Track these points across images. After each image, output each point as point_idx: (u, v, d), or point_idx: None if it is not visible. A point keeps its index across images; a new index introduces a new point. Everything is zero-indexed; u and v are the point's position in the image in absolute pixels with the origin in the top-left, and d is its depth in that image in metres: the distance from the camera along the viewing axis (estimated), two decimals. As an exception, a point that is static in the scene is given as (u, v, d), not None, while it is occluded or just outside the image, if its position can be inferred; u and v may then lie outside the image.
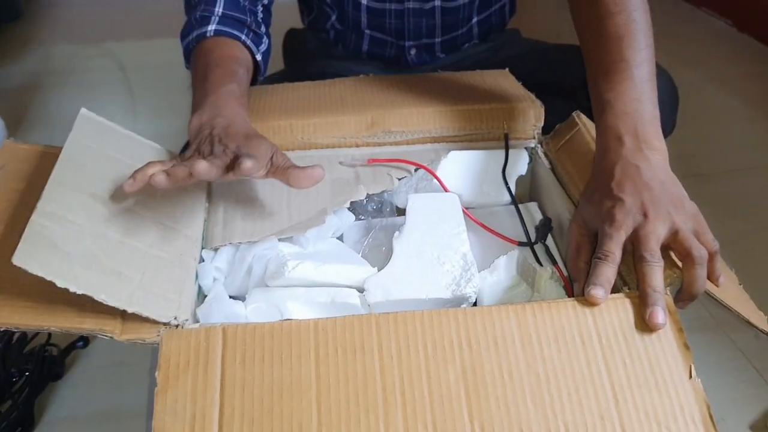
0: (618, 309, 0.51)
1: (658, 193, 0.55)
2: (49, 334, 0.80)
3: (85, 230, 0.53)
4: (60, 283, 0.47)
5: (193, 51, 0.75)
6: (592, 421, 0.44)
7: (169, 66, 1.52)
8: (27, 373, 0.77)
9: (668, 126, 0.63)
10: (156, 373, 0.46)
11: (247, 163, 0.53)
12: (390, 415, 0.44)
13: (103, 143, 0.62)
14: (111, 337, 0.50)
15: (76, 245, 0.51)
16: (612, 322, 0.50)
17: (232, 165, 0.55)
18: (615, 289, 0.53)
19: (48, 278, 0.47)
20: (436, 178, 0.70)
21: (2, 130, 1.31)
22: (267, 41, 0.80)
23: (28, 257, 0.47)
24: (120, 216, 0.56)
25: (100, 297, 0.48)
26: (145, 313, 0.50)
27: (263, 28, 0.80)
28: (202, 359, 0.47)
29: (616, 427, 0.44)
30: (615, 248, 0.53)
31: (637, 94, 0.61)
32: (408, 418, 0.44)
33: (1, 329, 0.49)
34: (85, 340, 0.84)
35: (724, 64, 1.80)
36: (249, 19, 0.77)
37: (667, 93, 0.81)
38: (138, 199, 0.59)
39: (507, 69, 0.85)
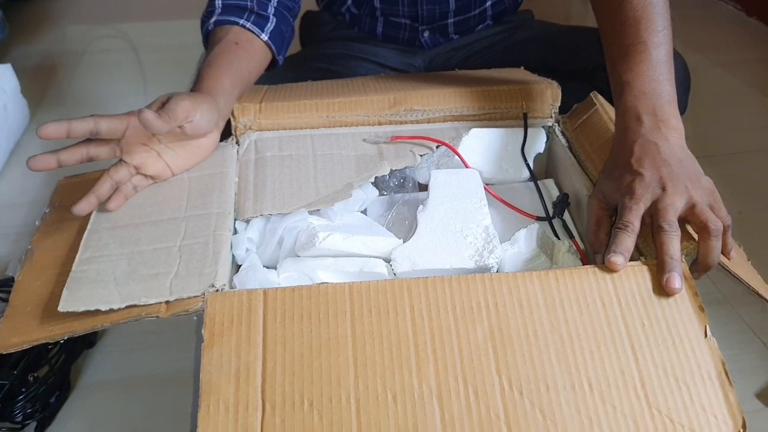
0: (636, 275, 0.54)
1: (676, 169, 0.58)
2: None
3: (120, 256, 0.58)
4: (103, 308, 0.52)
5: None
6: (613, 376, 0.47)
7: (181, 47, 1.55)
8: (62, 341, 0.80)
9: (681, 107, 0.65)
10: (202, 331, 0.49)
11: (145, 113, 0.57)
12: (423, 370, 0.47)
13: None
14: (157, 317, 0.53)
15: (113, 271, 0.56)
16: (631, 287, 0.53)
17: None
18: (632, 260, 0.56)
19: (92, 309, 0.52)
20: (458, 154, 0.73)
21: (26, 110, 1.33)
22: (274, 20, 0.81)
23: (71, 302, 0.53)
24: (151, 230, 0.61)
25: (142, 301, 0.53)
26: (185, 295, 0.53)
27: (270, 9, 0.81)
28: (245, 318, 0.50)
29: (636, 383, 0.47)
30: (634, 219, 0.56)
31: (656, 75, 0.63)
32: (440, 372, 0.47)
33: (64, 338, 0.52)
34: None
35: (732, 48, 1.81)
36: (251, 3, 0.79)
37: (680, 75, 0.83)
38: (166, 208, 0.63)
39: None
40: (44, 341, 0.52)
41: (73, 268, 0.56)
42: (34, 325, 0.53)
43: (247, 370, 0.47)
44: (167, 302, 0.53)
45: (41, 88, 1.47)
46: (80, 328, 0.52)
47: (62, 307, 0.52)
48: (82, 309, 0.52)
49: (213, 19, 0.78)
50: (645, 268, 0.54)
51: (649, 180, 0.57)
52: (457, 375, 0.47)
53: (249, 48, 0.77)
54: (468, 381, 0.47)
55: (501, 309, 0.51)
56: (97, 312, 0.52)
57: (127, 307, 0.52)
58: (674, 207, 0.56)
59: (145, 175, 0.65)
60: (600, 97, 0.76)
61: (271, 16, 0.80)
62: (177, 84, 1.44)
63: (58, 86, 1.50)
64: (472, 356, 0.48)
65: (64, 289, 0.54)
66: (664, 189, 0.56)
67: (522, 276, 0.54)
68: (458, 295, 0.52)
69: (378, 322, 0.50)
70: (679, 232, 0.55)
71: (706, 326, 0.50)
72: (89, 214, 0.62)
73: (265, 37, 0.79)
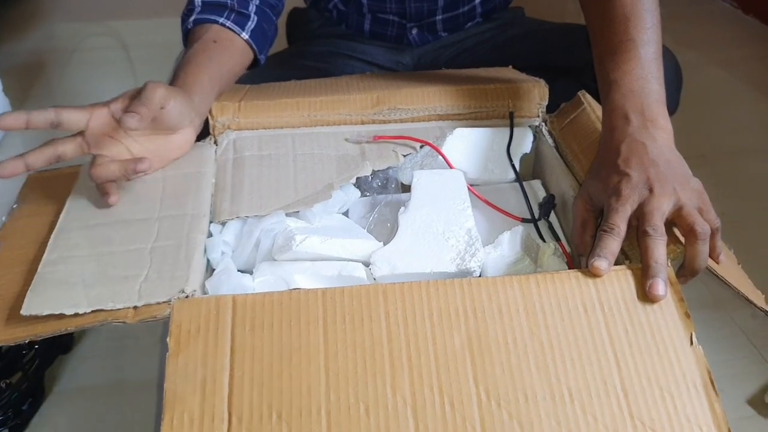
0: (620, 280, 0.52)
1: (664, 170, 0.56)
2: None
3: (89, 257, 0.56)
4: (68, 311, 0.50)
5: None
6: (594, 385, 0.46)
7: (171, 44, 1.53)
8: (36, 346, 0.79)
9: (672, 106, 0.64)
10: (168, 339, 0.47)
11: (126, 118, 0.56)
12: (397, 379, 0.46)
13: None
14: (124, 323, 0.51)
15: (83, 272, 0.54)
16: (614, 292, 0.51)
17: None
18: (617, 263, 0.54)
19: (57, 312, 0.50)
20: (441, 155, 0.71)
21: (8, 109, 1.32)
22: (256, 18, 0.79)
23: (35, 305, 0.51)
24: (123, 230, 0.59)
25: (109, 306, 0.51)
26: (153, 300, 0.52)
27: (251, 7, 0.79)
28: (212, 326, 0.48)
29: (618, 392, 0.45)
30: (620, 222, 0.54)
31: (644, 73, 0.62)
32: (414, 381, 0.46)
33: (26, 340, 0.51)
34: None
35: (728, 45, 1.80)
36: (231, 2, 0.77)
37: (671, 73, 0.82)
38: (139, 207, 0.61)
39: (510, 66, 0.86)
40: (4, 344, 0.50)
41: (39, 269, 0.54)
42: None
43: (214, 381, 0.45)
44: (135, 307, 0.51)
45: (26, 87, 1.46)
46: (44, 331, 0.50)
47: (25, 310, 0.50)
48: (46, 312, 0.50)
49: (192, 18, 0.76)
50: (629, 272, 0.53)
51: (636, 181, 0.56)
52: (433, 385, 0.45)
53: (229, 46, 0.75)
54: (444, 391, 0.45)
55: (480, 315, 0.50)
56: (62, 316, 0.50)
57: (93, 311, 0.50)
58: (661, 210, 0.54)
59: None
60: (588, 96, 0.74)
61: (253, 15, 0.79)
62: (166, 81, 1.42)
63: (47, 85, 1.49)
64: (449, 365, 0.46)
65: (29, 291, 0.52)
66: (651, 191, 0.55)
67: (502, 281, 0.52)
68: (435, 300, 0.50)
69: (352, 329, 0.48)
70: (665, 237, 0.53)
71: (692, 333, 0.49)
72: (59, 212, 0.60)
73: (245, 35, 0.77)
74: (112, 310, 0.51)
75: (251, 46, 0.79)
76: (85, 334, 0.85)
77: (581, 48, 0.86)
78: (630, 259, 0.56)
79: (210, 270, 0.62)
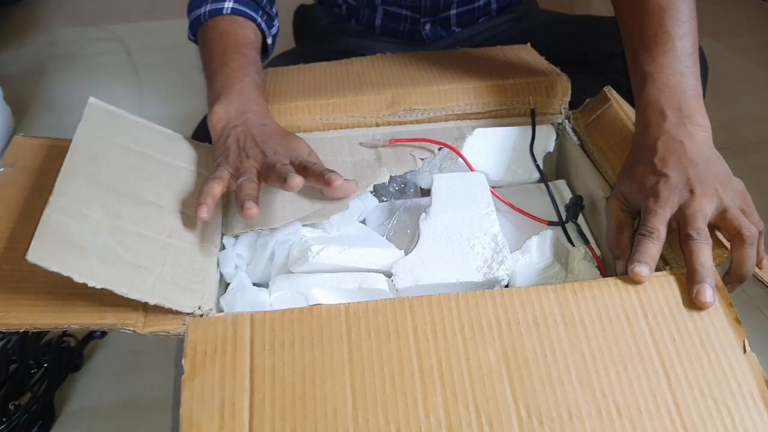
0: (663, 286, 0.49)
1: (704, 170, 0.53)
2: None
3: (100, 223, 0.52)
4: (78, 279, 0.46)
5: (205, 26, 0.73)
6: (644, 399, 0.43)
7: (174, 48, 1.54)
8: (45, 365, 0.77)
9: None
10: (183, 361, 0.45)
11: (296, 180, 0.55)
12: (429, 398, 0.43)
13: (114, 132, 0.61)
14: (133, 331, 0.49)
15: (93, 239, 0.50)
16: (657, 299, 0.49)
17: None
18: (656, 270, 0.51)
19: (65, 274, 0.46)
20: (462, 157, 0.69)
21: (9, 118, 1.30)
22: (277, 24, 0.79)
23: (42, 254, 0.46)
24: (135, 207, 0.56)
25: (120, 291, 0.48)
26: (167, 305, 0.49)
27: (274, 9, 0.79)
28: (230, 346, 0.46)
29: (669, 406, 0.43)
30: (660, 225, 0.52)
31: (680, 68, 0.59)
32: (449, 400, 0.43)
33: (21, 330, 0.48)
34: (102, 331, 0.83)
35: (745, 32, 1.77)
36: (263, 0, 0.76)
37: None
38: (152, 189, 0.58)
39: (528, 44, 0.83)
40: None
41: (46, 212, 0.50)
42: None
43: (233, 405, 0.43)
44: (145, 306, 0.49)
45: (29, 95, 1.44)
46: (40, 322, 0.48)
47: (31, 257, 0.45)
48: (54, 268, 0.46)
49: (228, 4, 0.73)
50: (672, 278, 0.50)
51: (675, 182, 0.53)
52: (468, 403, 0.43)
53: (259, 49, 0.75)
54: (481, 409, 0.42)
55: (514, 327, 0.47)
56: (62, 308, 0.48)
57: (102, 289, 0.47)
58: (703, 213, 0.51)
59: None
60: (614, 91, 0.71)
61: (276, 19, 0.78)
62: (172, 85, 1.42)
63: (49, 91, 1.48)
64: (484, 381, 0.44)
65: (35, 236, 0.47)
66: (691, 192, 0.52)
67: (536, 290, 0.49)
68: (466, 313, 0.48)
69: (378, 346, 0.46)
70: (710, 240, 0.50)
71: (744, 341, 0.46)
72: (61, 160, 0.56)
73: (269, 40, 0.77)
74: (122, 307, 0.49)
75: (267, 51, 0.78)
76: (95, 352, 0.83)
77: (598, 40, 0.85)
78: (670, 266, 0.54)
79: (223, 285, 0.59)
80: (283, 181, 0.56)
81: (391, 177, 0.67)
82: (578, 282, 0.50)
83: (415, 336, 0.46)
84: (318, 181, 0.59)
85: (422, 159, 0.68)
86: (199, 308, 0.51)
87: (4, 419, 0.70)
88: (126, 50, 1.64)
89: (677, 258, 0.52)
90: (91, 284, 0.46)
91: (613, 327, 0.47)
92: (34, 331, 0.71)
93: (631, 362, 0.45)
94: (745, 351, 0.45)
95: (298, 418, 0.42)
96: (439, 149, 0.69)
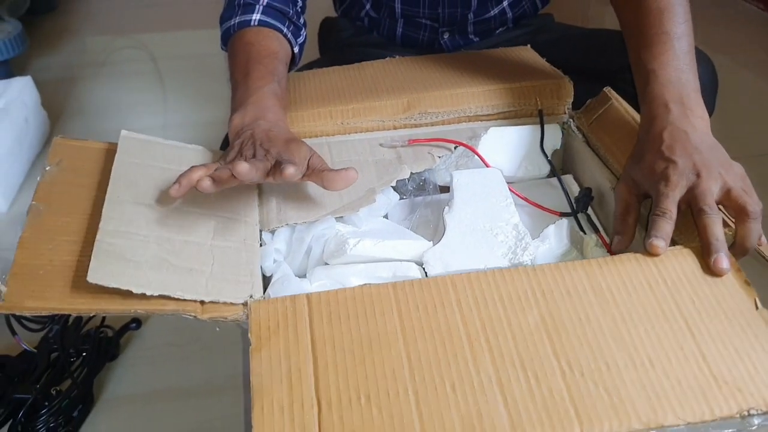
0: (678, 258, 0.56)
1: (708, 156, 0.60)
2: (103, 317, 0.86)
3: (148, 238, 0.58)
4: (136, 290, 0.51)
5: (234, 37, 0.79)
6: (672, 352, 0.49)
7: (199, 57, 1.62)
8: (84, 354, 0.82)
9: (708, 109, 0.68)
10: (249, 335, 0.49)
11: (289, 170, 0.58)
12: (478, 359, 0.48)
13: (148, 156, 0.67)
14: (194, 317, 0.54)
15: (143, 253, 0.56)
16: (674, 269, 0.55)
17: (274, 170, 0.60)
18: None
19: (124, 288, 0.51)
20: (477, 154, 0.75)
21: (46, 121, 1.34)
22: (304, 33, 0.84)
23: (101, 274, 0.52)
24: (176, 218, 0.61)
25: (176, 294, 0.53)
26: (222, 299, 0.54)
27: (302, 20, 0.84)
28: (291, 321, 0.51)
29: (696, 356, 0.48)
30: (671, 206, 0.58)
31: (680, 65, 0.67)
32: (496, 360, 0.48)
33: (91, 314, 0.52)
34: (138, 322, 0.89)
35: (756, 48, 1.85)
36: (291, 11, 0.82)
37: (707, 76, 0.87)
38: (190, 199, 0.63)
39: (528, 45, 0.91)
40: (68, 313, 0.52)
41: (98, 237, 0.55)
42: (54, 292, 0.53)
43: (299, 371, 0.48)
44: (202, 302, 0.54)
45: (61, 100, 1.50)
46: (110, 308, 0.52)
47: (91, 278, 0.51)
48: (113, 285, 0.51)
49: (256, 16, 0.78)
50: (686, 251, 0.57)
51: (682, 167, 0.60)
52: (514, 361, 0.48)
53: (286, 59, 0.80)
54: (526, 366, 0.48)
55: (549, 297, 0.53)
56: (128, 294, 0.52)
57: (160, 296, 0.52)
58: (711, 192, 0.58)
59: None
60: (614, 92, 0.78)
61: (303, 29, 0.83)
62: (196, 92, 1.49)
63: (79, 98, 1.54)
64: (527, 342, 0.49)
65: (92, 258, 0.53)
66: (698, 175, 0.59)
67: (565, 266, 0.55)
68: (504, 286, 0.54)
69: (426, 317, 0.51)
70: (720, 215, 0.57)
71: (755, 298, 0.52)
72: (105, 182, 0.61)
73: (296, 49, 0.82)
74: (180, 299, 0.53)
75: (294, 59, 0.83)
76: (130, 343, 0.89)
77: (613, 52, 0.91)
78: (680, 244, 0.60)
79: (263, 278, 0.64)
80: (279, 173, 0.59)
81: (410, 174, 0.72)
82: (602, 258, 0.56)
83: (459, 307, 0.52)
84: (315, 176, 0.62)
85: (440, 157, 0.74)
86: (251, 297, 0.56)
87: (47, 403, 0.75)
88: (152, 58, 1.69)
89: (684, 239, 0.59)
90: (148, 293, 0.52)
91: (637, 293, 0.53)
92: (74, 319, 0.79)
93: (657, 322, 0.51)
94: (757, 307, 0.51)
95: (360, 380, 0.47)
96: (455, 148, 0.75)
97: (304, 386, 0.47)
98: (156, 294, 0.52)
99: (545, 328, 0.50)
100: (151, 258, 0.55)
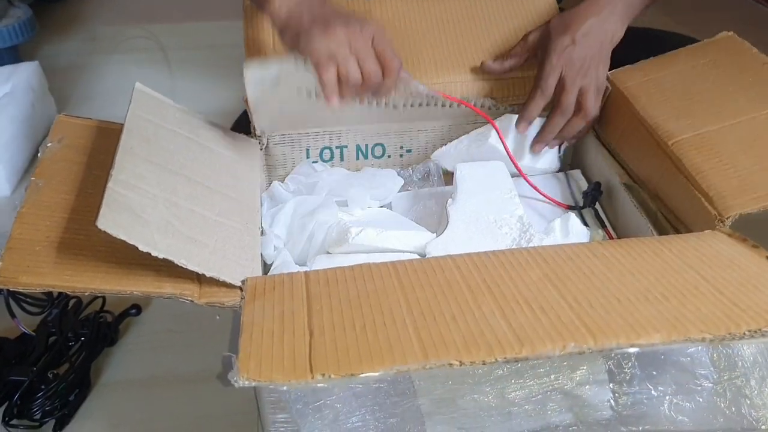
0: (678, 241, 0.56)
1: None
2: (103, 302, 0.87)
3: (157, 198, 0.57)
4: (142, 248, 0.50)
5: None
6: (686, 289, 0.48)
7: (208, 48, 1.67)
8: (83, 339, 0.82)
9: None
10: (242, 294, 0.50)
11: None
12: (480, 300, 0.48)
13: (161, 117, 0.68)
14: (191, 301, 0.53)
15: (153, 212, 0.55)
16: (677, 244, 0.55)
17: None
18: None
19: (131, 242, 0.50)
20: (501, 138, 0.75)
21: (53, 107, 1.36)
22: None
23: (111, 222, 0.51)
24: (186, 186, 0.62)
25: (180, 261, 0.52)
26: (222, 278, 0.54)
27: None
28: (287, 284, 0.51)
29: (713, 290, 0.48)
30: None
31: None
32: (499, 299, 0.47)
33: (86, 293, 0.52)
34: (137, 308, 0.89)
35: (765, 50, 1.86)
36: None
37: None
38: (199, 170, 0.64)
39: None
40: (63, 290, 0.52)
41: (110, 185, 0.54)
42: (47, 268, 0.52)
43: (292, 313, 0.47)
44: (200, 278, 0.54)
45: (69, 87, 1.52)
46: (106, 287, 0.52)
47: (101, 224, 0.49)
48: (121, 236, 0.49)
49: None
50: (685, 237, 0.58)
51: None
52: (519, 300, 0.47)
53: None
54: (531, 303, 0.47)
55: (551, 261, 0.53)
56: (125, 274, 0.52)
57: (164, 259, 0.51)
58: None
59: None
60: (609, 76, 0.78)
61: None
62: (204, 83, 1.51)
63: (87, 85, 1.56)
64: (530, 288, 0.49)
65: (102, 205, 0.51)
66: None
67: (567, 244, 0.56)
68: (504, 257, 0.54)
69: (425, 277, 0.51)
70: None
71: (766, 256, 0.52)
72: (107, 161, 0.60)
73: None
74: (179, 278, 0.53)
75: None
76: (129, 329, 0.89)
77: (624, 48, 0.94)
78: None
79: (263, 266, 0.64)
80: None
81: (414, 166, 0.75)
82: (603, 242, 0.57)
83: (460, 271, 0.52)
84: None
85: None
86: None
87: (43, 386, 0.75)
88: (161, 48, 1.74)
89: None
90: (154, 254, 0.50)
91: (643, 257, 0.53)
92: (74, 303, 0.82)
93: (668, 272, 0.50)
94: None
95: (356, 315, 0.46)
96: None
97: (297, 322, 0.46)
98: (161, 256, 0.51)
99: (550, 280, 0.50)
100: (159, 219, 0.55)
